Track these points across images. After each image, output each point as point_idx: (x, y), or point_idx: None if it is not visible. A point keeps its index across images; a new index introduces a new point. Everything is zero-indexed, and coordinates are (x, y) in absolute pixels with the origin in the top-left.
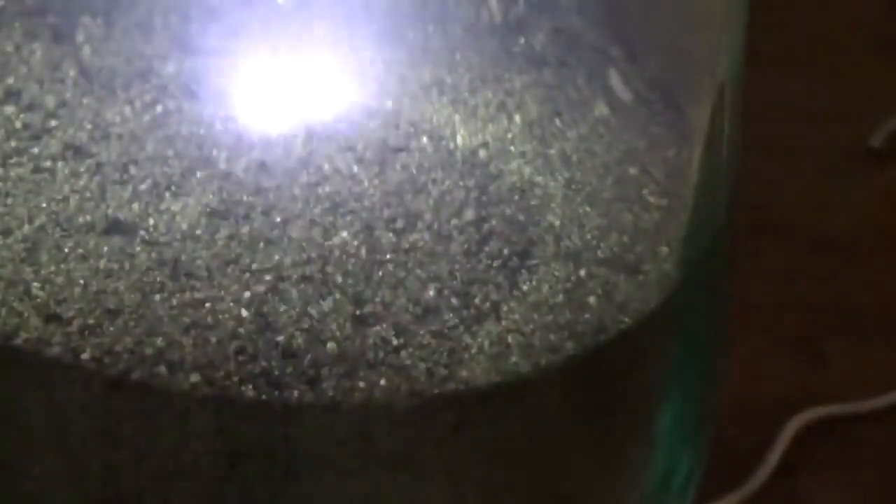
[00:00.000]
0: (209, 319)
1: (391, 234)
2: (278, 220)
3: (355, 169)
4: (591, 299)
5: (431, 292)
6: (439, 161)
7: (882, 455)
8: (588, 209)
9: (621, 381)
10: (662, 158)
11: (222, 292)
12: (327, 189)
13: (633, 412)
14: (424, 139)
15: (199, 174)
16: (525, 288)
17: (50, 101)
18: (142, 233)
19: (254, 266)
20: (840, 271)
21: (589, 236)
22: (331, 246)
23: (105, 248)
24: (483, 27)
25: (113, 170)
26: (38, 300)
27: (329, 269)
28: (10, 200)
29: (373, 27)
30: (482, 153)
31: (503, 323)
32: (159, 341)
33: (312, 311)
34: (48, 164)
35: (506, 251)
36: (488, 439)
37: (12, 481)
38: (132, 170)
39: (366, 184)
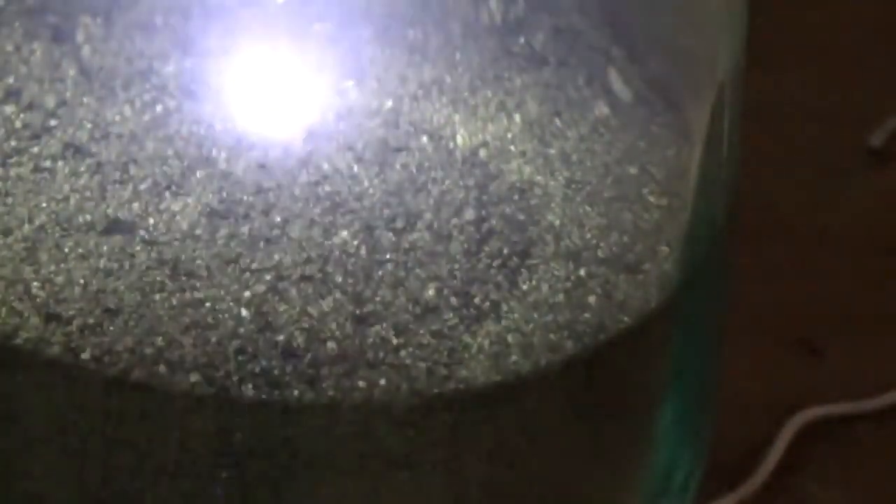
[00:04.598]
0: (209, 319)
1: (391, 234)
2: (278, 220)
3: (355, 169)
4: (591, 299)
5: (431, 292)
6: (439, 161)
7: (882, 455)
8: (588, 209)
9: (621, 381)
10: (662, 158)
11: (222, 292)
12: (327, 189)
13: (633, 411)
14: (424, 139)
15: (199, 174)
16: (525, 287)
17: (50, 101)
18: (142, 232)
19: (254, 266)
20: (840, 271)
21: (589, 236)
22: (331, 246)
23: (105, 248)
24: (483, 27)
25: (113, 169)
26: (38, 300)
27: (329, 268)
28: (10, 200)
29: (373, 27)
30: (482, 153)
31: (503, 322)
32: (159, 341)
33: (312, 310)
34: (48, 163)
35: (506, 251)
36: (488, 439)
37: (12, 481)
38: (132, 169)
39: (366, 183)
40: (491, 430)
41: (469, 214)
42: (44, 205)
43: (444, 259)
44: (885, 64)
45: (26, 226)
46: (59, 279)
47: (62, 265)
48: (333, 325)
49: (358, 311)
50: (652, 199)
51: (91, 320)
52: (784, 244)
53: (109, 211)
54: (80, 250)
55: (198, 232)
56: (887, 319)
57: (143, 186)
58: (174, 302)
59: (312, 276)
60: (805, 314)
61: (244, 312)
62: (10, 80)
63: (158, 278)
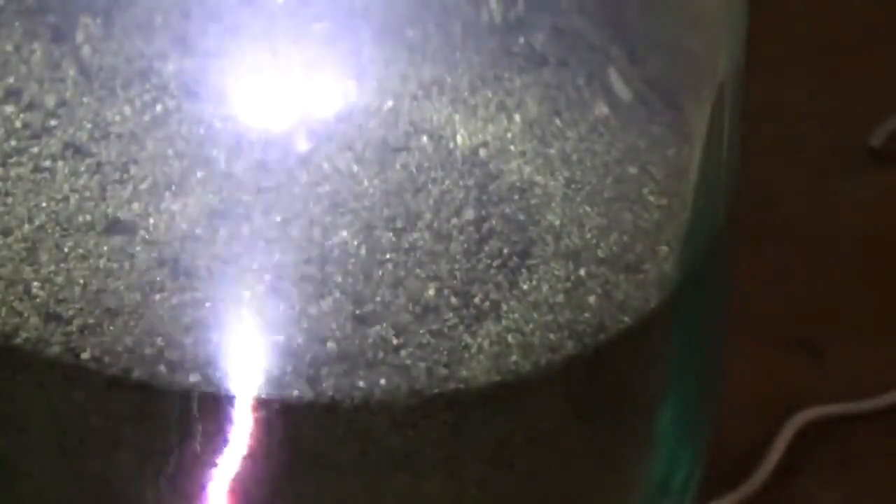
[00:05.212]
0: (209, 319)
1: (391, 234)
2: (278, 220)
3: (355, 169)
4: (591, 299)
5: (431, 292)
6: (439, 161)
7: (882, 455)
8: (588, 209)
9: (621, 381)
10: (662, 158)
11: (222, 292)
12: (327, 189)
13: (633, 412)
14: (424, 139)
15: (199, 174)
16: (525, 287)
17: (50, 101)
18: (142, 232)
19: (254, 266)
20: (840, 271)
21: (589, 236)
22: (331, 246)
23: (105, 248)
24: (483, 27)
25: (113, 169)
26: (38, 300)
27: (329, 268)
28: (10, 200)
29: (373, 26)
30: (482, 153)
31: (503, 322)
32: (159, 341)
33: (312, 310)
34: (48, 163)
35: (506, 251)
36: (488, 439)
37: (12, 481)
38: (132, 169)
39: (366, 183)
40: (491, 430)
41: (469, 214)
42: (44, 205)
43: (444, 259)
44: (885, 64)
45: (26, 226)
46: (59, 279)
47: (62, 265)
48: (333, 325)
49: (358, 311)
50: (652, 199)
51: (91, 320)
52: (784, 244)
53: (109, 211)
54: (80, 250)
55: (198, 232)
56: (887, 319)
57: (143, 186)
58: (174, 302)
59: (312, 276)
60: (805, 314)
61: (244, 312)
62: (10, 80)
63: (158, 278)
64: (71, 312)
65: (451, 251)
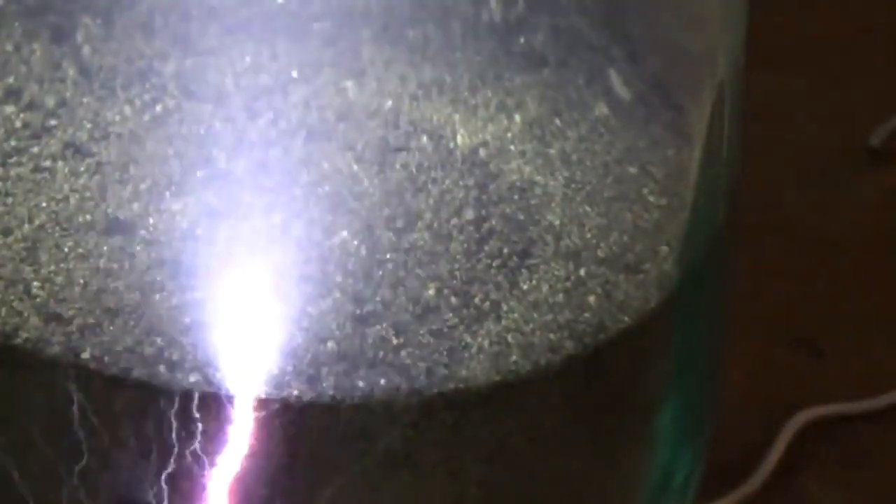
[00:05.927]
0: (209, 319)
1: (391, 234)
2: (278, 220)
3: (355, 168)
4: (591, 299)
5: (431, 291)
6: (439, 160)
7: (882, 455)
8: (588, 208)
9: (621, 381)
10: (662, 158)
11: (222, 292)
12: (327, 189)
13: (633, 412)
14: (424, 139)
15: (199, 174)
16: (525, 287)
17: (50, 101)
18: (142, 232)
19: (254, 266)
20: (840, 271)
21: (589, 236)
22: (331, 245)
23: (105, 248)
24: (483, 27)
25: (113, 169)
26: (38, 299)
27: (329, 268)
28: (10, 200)
29: (372, 27)
30: (482, 152)
31: (503, 322)
32: (159, 341)
33: (312, 310)
34: (48, 163)
35: (506, 250)
36: (488, 438)
37: (12, 481)
38: (132, 169)
39: (366, 183)
40: (491, 430)
41: (469, 214)
42: (44, 205)
43: (444, 259)
44: (885, 64)
45: (26, 226)
46: (59, 279)
47: (62, 265)
48: (333, 325)
49: (358, 311)
50: (652, 199)
51: (91, 320)
52: (784, 244)
53: (109, 211)
54: (80, 250)
55: (198, 232)
56: (887, 319)
57: (142, 186)
58: (174, 302)
59: (312, 275)
60: (805, 314)
61: (244, 312)
62: (10, 80)
63: (158, 278)
64: (71, 312)
65: (451, 251)
